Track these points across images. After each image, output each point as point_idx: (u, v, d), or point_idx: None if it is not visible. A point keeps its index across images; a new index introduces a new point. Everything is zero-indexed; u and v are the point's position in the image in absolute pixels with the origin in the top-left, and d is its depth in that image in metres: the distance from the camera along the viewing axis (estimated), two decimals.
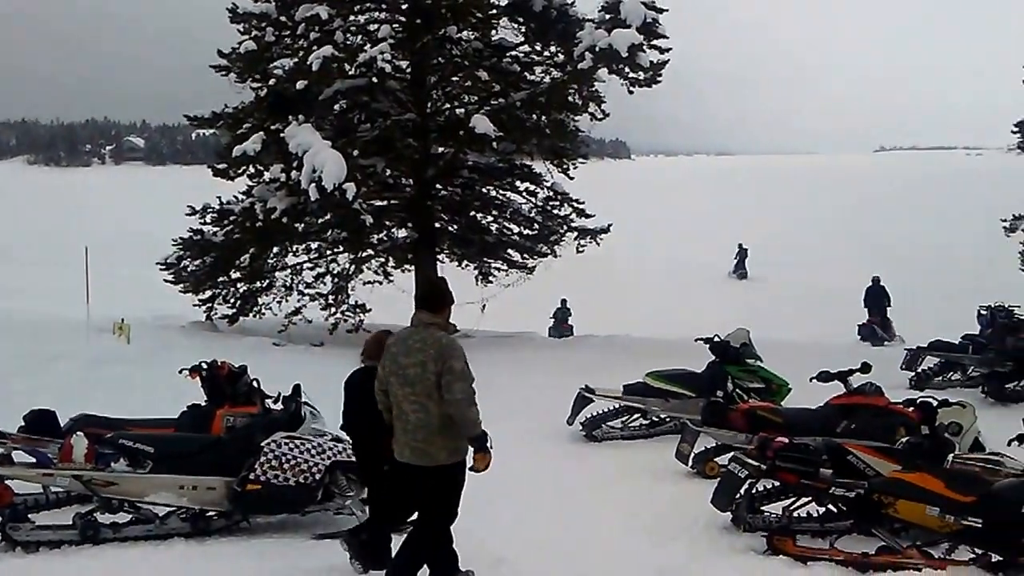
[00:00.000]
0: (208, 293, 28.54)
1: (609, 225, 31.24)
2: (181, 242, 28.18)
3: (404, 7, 28.18)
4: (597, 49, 25.45)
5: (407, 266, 30.51)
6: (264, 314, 29.18)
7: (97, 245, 29.30)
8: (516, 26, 28.63)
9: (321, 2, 25.54)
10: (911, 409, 12.76)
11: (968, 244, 59.31)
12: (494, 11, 28.20)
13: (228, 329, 27.94)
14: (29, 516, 10.68)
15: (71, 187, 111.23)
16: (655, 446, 16.58)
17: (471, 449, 8.60)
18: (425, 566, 9.00)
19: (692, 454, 14.59)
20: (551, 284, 34.34)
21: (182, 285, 28.47)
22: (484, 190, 30.83)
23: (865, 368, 15.14)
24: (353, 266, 29.42)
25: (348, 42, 26.09)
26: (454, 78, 29.38)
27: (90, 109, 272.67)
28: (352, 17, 27.49)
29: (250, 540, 10.99)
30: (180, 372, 14.21)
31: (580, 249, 31.17)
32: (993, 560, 9.46)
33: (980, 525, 9.39)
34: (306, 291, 29.20)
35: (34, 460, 11.74)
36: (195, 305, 28.62)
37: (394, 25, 27.53)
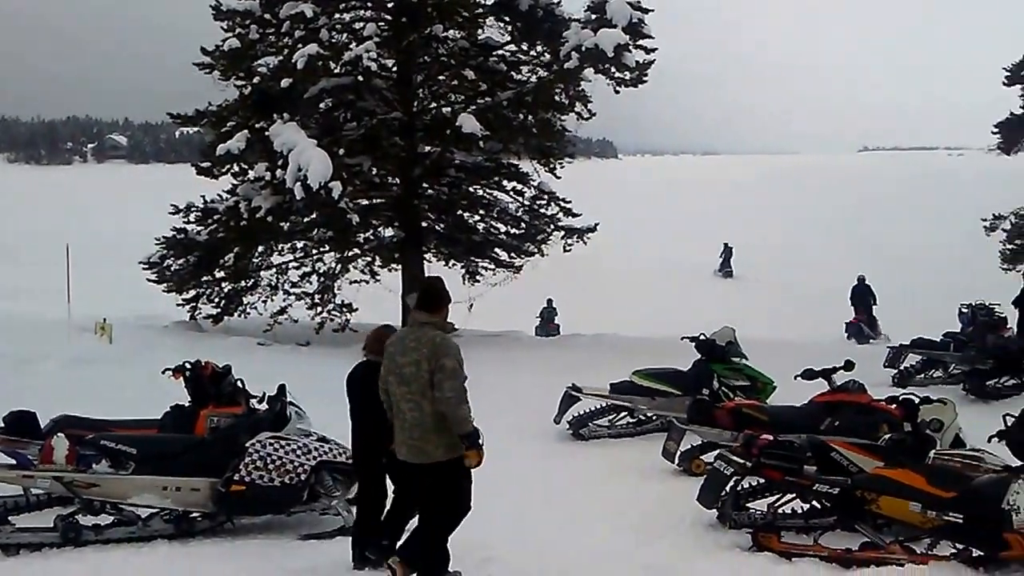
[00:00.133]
0: (192, 292, 28.40)
1: (596, 224, 31.24)
2: (164, 241, 28.05)
3: (390, 5, 28.15)
4: (583, 49, 25.47)
5: (394, 265, 30.45)
6: (249, 314, 29.10)
7: (79, 244, 29.16)
8: (502, 25, 28.62)
9: (306, 0, 25.50)
10: (894, 406, 12.85)
11: (950, 243, 59.44)
12: (480, 10, 28.15)
13: (212, 329, 27.88)
14: (9, 518, 10.59)
15: (52, 186, 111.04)
16: (642, 444, 16.63)
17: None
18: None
19: (678, 452, 14.61)
20: (537, 284, 34.38)
21: (165, 284, 28.32)
22: (471, 189, 30.80)
23: (848, 366, 15.23)
24: (339, 265, 29.33)
25: (333, 40, 26.05)
26: (440, 77, 29.36)
27: (72, 106, 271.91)
28: (337, 15, 27.42)
29: (234, 541, 10.95)
30: (163, 372, 14.12)
31: (567, 248, 31.17)
32: (974, 555, 9.50)
33: (961, 520, 9.45)
34: (292, 290, 29.10)
35: (14, 462, 11.64)
36: (179, 305, 28.51)
37: (380, 23, 27.49)
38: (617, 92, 27.40)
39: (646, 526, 11.63)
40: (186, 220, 27.96)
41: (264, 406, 12.66)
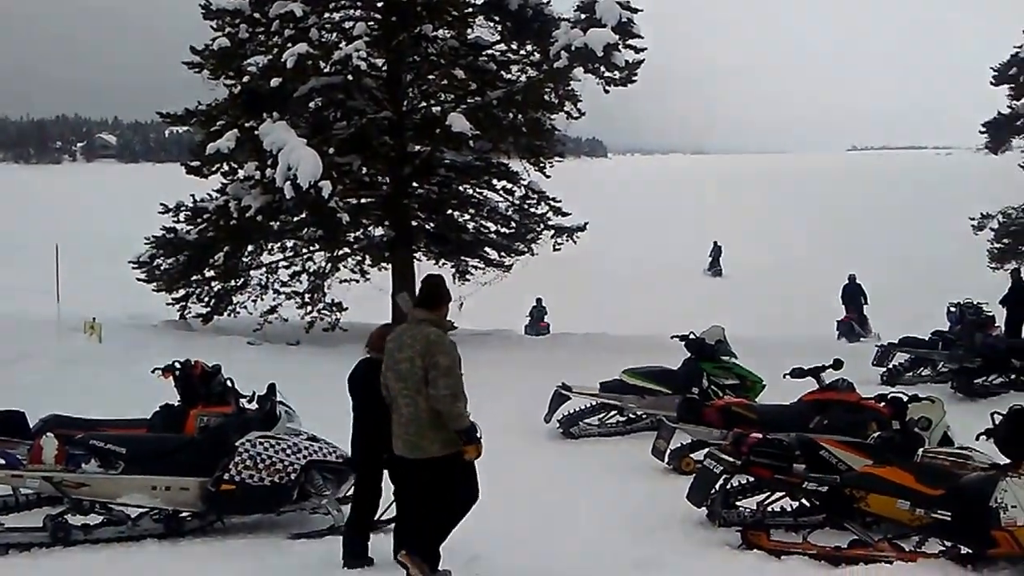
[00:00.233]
0: (182, 292, 28.36)
1: (585, 223, 31.31)
2: (154, 240, 28.01)
3: (379, 5, 28.13)
4: (573, 48, 25.47)
5: (384, 264, 30.43)
6: (239, 313, 29.07)
7: (68, 243, 29.21)
8: (492, 25, 28.69)
9: None
10: (882, 404, 12.89)
11: (939, 242, 59.50)
12: (470, 9, 28.20)
13: (202, 328, 27.83)
14: None
15: (41, 185, 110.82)
16: (632, 443, 16.66)
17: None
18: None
19: (668, 450, 14.64)
20: (526, 283, 34.35)
21: (155, 284, 28.27)
22: (461, 188, 30.85)
23: (837, 364, 15.31)
24: (329, 264, 29.33)
25: (323, 39, 26.01)
26: (430, 76, 29.38)
27: (61, 106, 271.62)
28: (327, 14, 27.41)
29: (224, 541, 10.92)
30: (153, 372, 14.12)
31: (557, 247, 31.24)
32: (962, 552, 9.52)
33: (949, 518, 9.46)
34: (282, 290, 29.07)
35: (3, 461, 11.59)
36: (168, 304, 28.46)
37: (369, 23, 27.51)
38: (607, 91, 27.46)
39: (636, 524, 11.63)
40: (176, 219, 27.92)
41: (254, 405, 12.67)
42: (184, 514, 11.09)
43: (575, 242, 31.49)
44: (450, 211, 30.93)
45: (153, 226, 28.14)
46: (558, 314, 39.13)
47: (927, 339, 23.99)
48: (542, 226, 31.01)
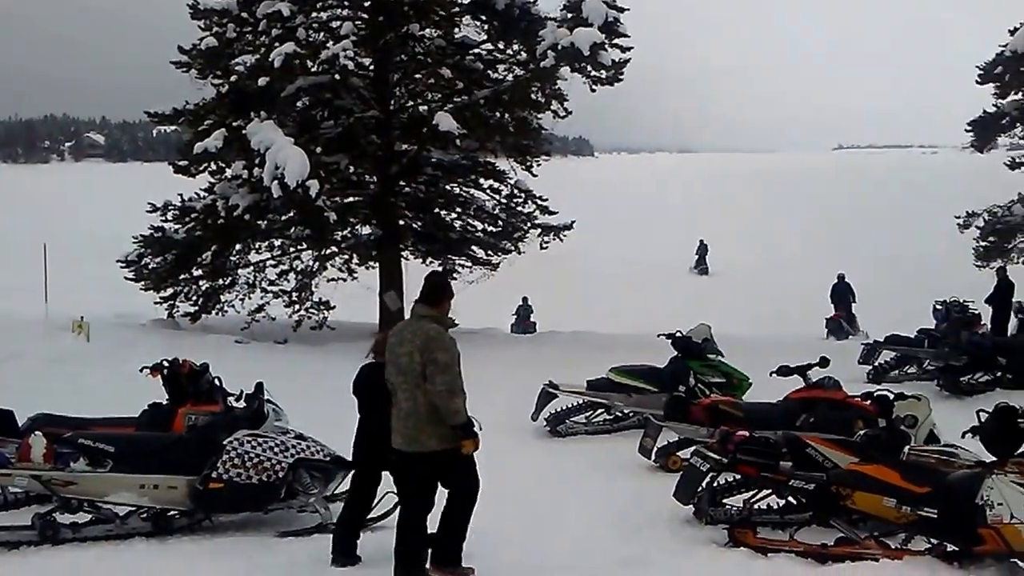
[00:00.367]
0: (170, 291, 28.32)
1: (572, 222, 31.34)
2: (142, 239, 27.98)
3: (366, 4, 28.13)
4: (559, 47, 25.49)
5: (371, 263, 30.44)
6: (227, 312, 29.04)
7: (56, 243, 29.21)
8: (479, 24, 28.69)
9: None
10: (868, 402, 12.89)
11: (926, 240, 59.53)
12: (457, 9, 28.17)
13: (190, 327, 27.79)
14: None
15: (30, 184, 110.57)
16: (619, 441, 16.70)
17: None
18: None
19: (655, 448, 14.70)
20: (513, 282, 34.39)
21: (143, 283, 28.20)
22: (448, 187, 30.89)
23: (823, 362, 15.36)
24: (317, 263, 29.37)
25: (310, 39, 25.98)
26: (417, 75, 29.37)
27: (49, 105, 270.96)
28: (314, 14, 27.36)
29: (212, 539, 10.92)
30: (141, 370, 14.12)
31: (544, 246, 31.28)
32: (948, 550, 9.55)
33: (935, 515, 9.48)
34: (269, 288, 29.07)
35: None
36: (156, 303, 28.41)
37: (356, 22, 27.44)
38: (593, 91, 27.52)
39: (623, 522, 11.66)
40: (164, 218, 27.91)
41: (242, 404, 12.67)
42: (172, 512, 11.09)
43: (562, 241, 31.51)
44: (437, 210, 30.95)
45: (141, 225, 28.12)
46: (545, 313, 39.14)
47: (913, 337, 24.07)
48: (529, 225, 31.04)
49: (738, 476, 11.35)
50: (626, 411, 17.62)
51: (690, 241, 62.85)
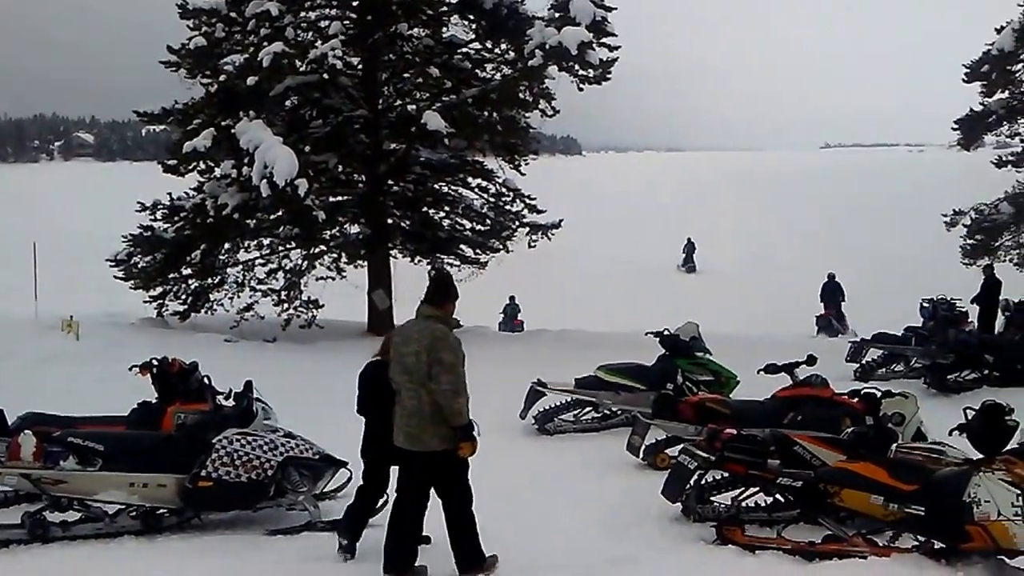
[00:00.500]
0: (159, 290, 28.29)
1: (560, 221, 31.38)
2: (131, 238, 27.98)
3: (355, 4, 28.19)
4: (547, 47, 25.55)
5: (360, 262, 30.45)
6: (216, 310, 28.99)
7: (46, 242, 29.16)
8: (467, 23, 28.77)
9: None
10: (856, 400, 12.95)
11: (913, 238, 59.61)
12: (445, 8, 28.25)
13: (179, 326, 27.76)
14: None
15: (19, 183, 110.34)
16: (607, 439, 16.69)
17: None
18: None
19: (643, 446, 14.74)
20: (500, 280, 34.41)
21: (132, 282, 28.18)
22: (436, 186, 30.91)
23: (811, 360, 15.36)
24: (305, 262, 29.34)
25: (299, 38, 26.04)
26: (405, 75, 29.43)
27: (39, 105, 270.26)
28: (303, 13, 27.43)
29: (202, 537, 10.94)
30: (130, 369, 14.09)
31: (532, 244, 31.33)
32: (936, 547, 9.58)
33: (923, 513, 9.52)
34: (258, 287, 29.03)
35: None
36: (146, 302, 28.39)
37: (345, 22, 27.50)
38: (581, 90, 27.60)
39: (611, 520, 11.68)
40: (153, 218, 27.89)
41: (231, 402, 12.72)
42: (162, 511, 11.08)
43: (550, 239, 31.56)
44: (426, 209, 30.95)
45: (130, 224, 28.10)
46: (533, 311, 39.19)
47: (900, 335, 24.14)
48: (517, 223, 31.10)
49: (726, 474, 11.39)
50: (614, 409, 17.63)
51: (678, 240, 62.92)
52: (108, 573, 9.73)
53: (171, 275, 28.21)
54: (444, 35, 28.98)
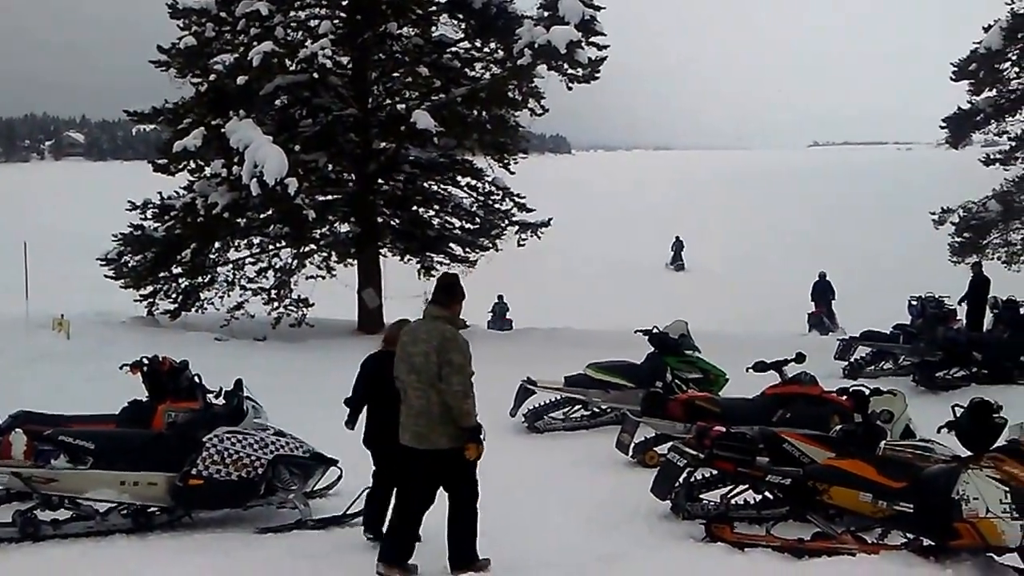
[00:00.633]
0: (149, 288, 28.33)
1: (549, 219, 31.44)
2: (122, 237, 28.04)
3: (344, 3, 28.26)
4: (536, 46, 25.62)
5: (349, 261, 30.51)
6: (206, 309, 29.06)
7: (36, 241, 29.10)
8: (456, 23, 28.89)
9: None
10: (844, 398, 12.89)
11: (903, 237, 59.63)
12: (434, 8, 28.35)
13: (170, 324, 27.82)
14: None
15: (9, 183, 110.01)
16: (596, 437, 16.72)
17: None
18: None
19: (632, 444, 14.78)
20: (489, 279, 34.41)
21: (123, 281, 28.26)
22: (426, 185, 30.97)
23: (799, 358, 15.35)
24: (295, 261, 29.37)
25: (288, 38, 26.09)
26: (395, 74, 29.52)
27: (29, 104, 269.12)
28: (292, 13, 27.39)
29: (192, 535, 10.95)
30: (121, 368, 14.08)
31: (521, 243, 31.37)
32: (924, 544, 9.59)
33: (911, 510, 9.53)
34: (248, 286, 29.08)
35: None
36: (136, 300, 28.44)
37: (335, 21, 27.51)
38: (570, 88, 27.73)
39: (600, 517, 11.71)
40: (143, 217, 27.95)
41: (221, 401, 12.73)
42: (152, 509, 11.09)
43: (539, 238, 31.61)
44: (415, 207, 31.02)
45: (121, 223, 28.13)
46: (522, 309, 39.23)
47: (889, 333, 24.20)
48: (506, 222, 31.18)
49: (715, 472, 11.40)
50: (604, 407, 17.66)
51: (667, 238, 62.94)
52: (99, 571, 9.71)
53: (161, 274, 28.24)
54: (433, 34, 29.08)
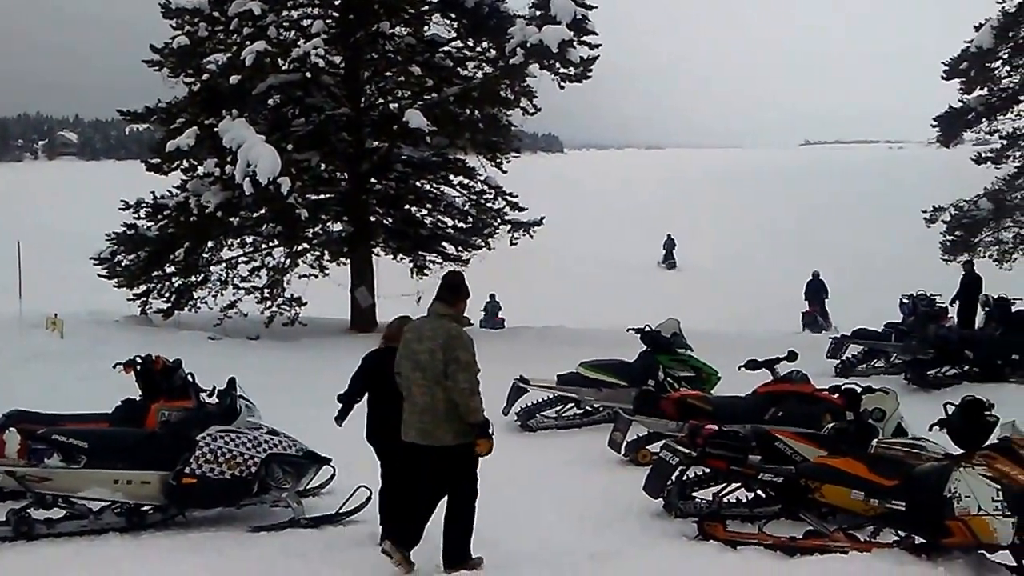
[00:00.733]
0: (143, 287, 28.36)
1: (542, 218, 31.49)
2: (115, 237, 28.05)
3: (337, 3, 28.35)
4: (528, 45, 25.68)
5: (342, 260, 30.56)
6: (199, 308, 29.09)
7: (30, 240, 29.12)
8: (448, 22, 28.97)
9: None
10: (836, 396, 12.92)
11: (894, 235, 59.66)
12: (426, 7, 28.40)
13: (163, 323, 27.82)
14: None
15: (2, 182, 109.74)
16: (589, 435, 16.79)
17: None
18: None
19: (625, 442, 14.79)
20: (481, 278, 34.39)
21: (116, 280, 28.26)
22: (418, 184, 31.02)
23: (791, 356, 15.37)
24: (288, 260, 29.40)
25: (281, 37, 26.15)
26: (387, 73, 29.55)
27: (22, 104, 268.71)
28: (285, 12, 27.52)
29: (185, 534, 10.94)
30: (114, 367, 14.10)
31: (514, 242, 31.42)
32: (916, 542, 9.60)
33: (903, 508, 9.53)
34: (241, 285, 29.13)
35: None
36: (129, 300, 28.45)
37: (327, 20, 27.55)
38: (562, 87, 27.80)
39: (593, 516, 11.74)
40: (136, 216, 27.96)
41: (214, 400, 12.75)
42: (146, 508, 11.11)
43: (531, 236, 31.66)
44: (408, 206, 31.06)
45: (114, 223, 28.16)
46: (515, 308, 39.25)
47: (880, 331, 24.25)
48: (499, 221, 31.23)
49: (707, 470, 11.44)
50: (596, 405, 17.71)
51: (659, 237, 62.98)
52: (93, 570, 9.70)
53: (155, 273, 28.26)
54: (426, 34, 29.16)
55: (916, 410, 14.53)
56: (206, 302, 29.12)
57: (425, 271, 31.45)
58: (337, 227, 30.36)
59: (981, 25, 32.94)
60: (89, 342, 22.47)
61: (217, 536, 10.89)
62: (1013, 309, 23.13)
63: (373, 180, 29.91)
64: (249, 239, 29.31)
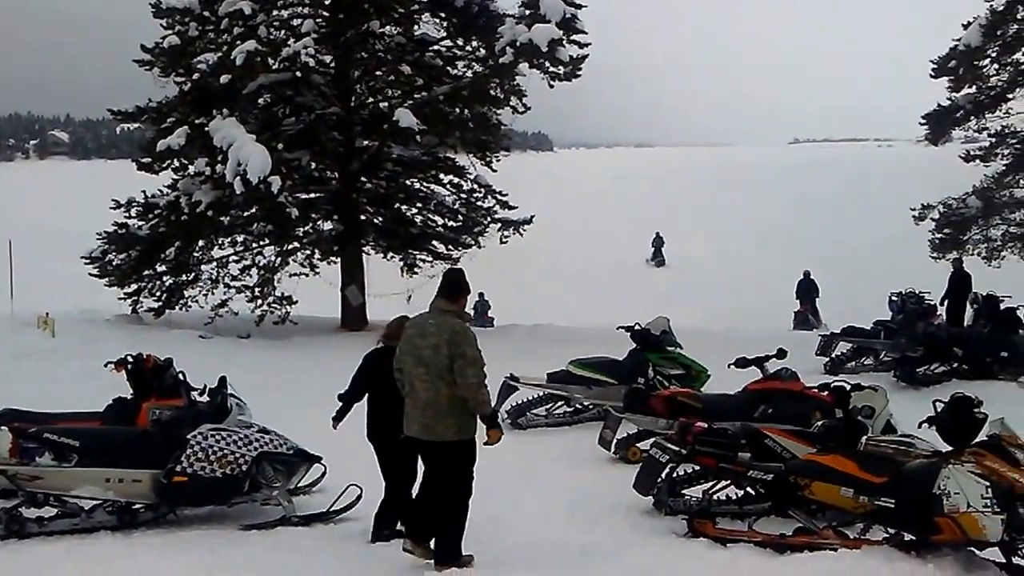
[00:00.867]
0: (134, 286, 28.40)
1: (532, 216, 31.53)
2: (106, 236, 28.07)
3: (327, 2, 28.37)
4: (518, 44, 25.73)
5: (333, 258, 30.60)
6: (190, 307, 29.09)
7: (21, 240, 29.09)
8: (438, 21, 28.99)
9: None
10: (826, 393, 12.92)
11: (885, 233, 59.71)
12: (416, 6, 28.43)
13: (154, 322, 27.86)
14: None
15: None
16: (579, 433, 16.76)
17: (482, 426, 9.47)
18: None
19: (614, 440, 14.77)
20: (471, 276, 34.28)
21: (108, 279, 28.30)
22: (408, 183, 31.09)
23: (781, 354, 15.40)
24: (279, 259, 29.45)
25: (272, 37, 26.12)
26: (378, 72, 29.64)
27: (14, 103, 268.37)
28: (275, 12, 27.53)
29: (177, 532, 10.95)
30: (106, 366, 14.07)
31: (504, 240, 31.44)
32: (906, 539, 9.63)
33: (892, 505, 9.55)
34: (232, 284, 29.17)
35: None
36: (120, 299, 28.46)
37: (317, 20, 27.62)
38: (551, 86, 27.84)
39: (583, 513, 11.75)
40: (127, 215, 27.99)
41: (205, 398, 12.73)
42: (137, 506, 11.13)
43: (521, 235, 31.73)
44: (398, 205, 31.14)
45: (105, 222, 28.18)
46: (505, 306, 39.22)
47: (870, 328, 24.28)
48: (489, 219, 31.29)
49: (697, 467, 11.45)
50: (586, 403, 17.69)
51: (648, 235, 62.99)
52: (84, 568, 9.69)
53: (146, 272, 28.32)
54: (415, 33, 29.21)
55: (905, 407, 14.57)
56: (197, 301, 29.13)
57: (415, 270, 31.49)
58: (327, 226, 30.43)
59: (970, 23, 33.01)
60: (80, 341, 22.51)
61: (208, 534, 10.90)
62: (1001, 306, 23.16)
63: (363, 179, 29.97)
64: (240, 238, 29.36)
